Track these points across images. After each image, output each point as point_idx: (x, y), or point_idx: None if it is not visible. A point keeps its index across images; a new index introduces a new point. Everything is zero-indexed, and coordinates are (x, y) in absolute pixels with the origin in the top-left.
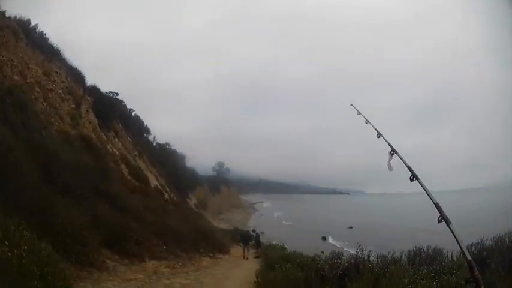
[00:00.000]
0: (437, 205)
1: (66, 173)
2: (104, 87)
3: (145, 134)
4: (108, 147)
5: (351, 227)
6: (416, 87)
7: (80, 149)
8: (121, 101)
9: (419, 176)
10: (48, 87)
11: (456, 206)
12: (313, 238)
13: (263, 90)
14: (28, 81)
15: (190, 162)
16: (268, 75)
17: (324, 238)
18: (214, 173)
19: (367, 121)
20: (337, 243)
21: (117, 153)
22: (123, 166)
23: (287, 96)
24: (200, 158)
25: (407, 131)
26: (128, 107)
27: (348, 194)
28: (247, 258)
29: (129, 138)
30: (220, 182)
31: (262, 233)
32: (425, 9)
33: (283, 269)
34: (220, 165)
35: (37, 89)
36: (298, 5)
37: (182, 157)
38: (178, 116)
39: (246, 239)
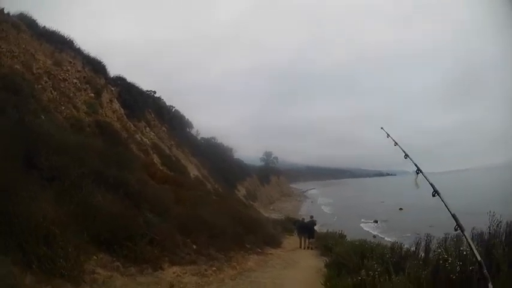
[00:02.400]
0: (454, 215)
1: (59, 157)
2: (142, 86)
3: (187, 128)
4: (137, 136)
5: (401, 209)
6: (445, 63)
7: (92, 135)
8: (154, 93)
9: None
10: (60, 77)
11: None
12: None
13: (303, 77)
14: (35, 71)
15: (237, 154)
16: (307, 61)
17: (376, 221)
18: (263, 163)
19: (395, 143)
20: (371, 230)
21: (148, 142)
22: (154, 156)
23: (327, 81)
24: (247, 149)
25: (441, 108)
26: (168, 103)
27: (395, 175)
28: (305, 248)
29: (164, 128)
30: (270, 172)
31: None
32: None
33: (377, 276)
34: (268, 154)
35: (46, 78)
36: None
37: (229, 150)
38: (221, 110)
39: (302, 228)
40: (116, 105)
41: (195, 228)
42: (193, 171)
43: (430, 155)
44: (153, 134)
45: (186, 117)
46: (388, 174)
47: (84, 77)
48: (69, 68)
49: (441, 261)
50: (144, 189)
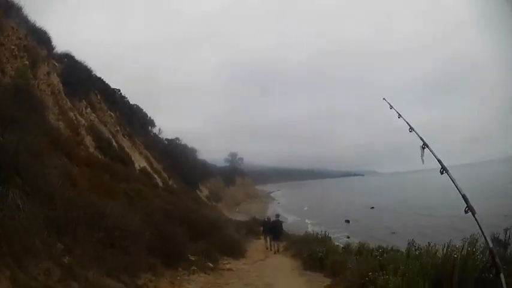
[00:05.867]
0: (464, 196)
1: None
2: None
3: (149, 127)
4: (72, 114)
5: (372, 207)
6: (425, 62)
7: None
8: (118, 91)
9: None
10: None
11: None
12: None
13: (271, 76)
14: None
15: (202, 155)
16: (275, 60)
17: (347, 221)
18: (227, 164)
19: (399, 115)
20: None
21: (83, 122)
22: (88, 138)
23: (295, 80)
24: (212, 150)
25: (419, 106)
26: (132, 102)
27: (363, 175)
28: (274, 252)
29: (111, 113)
30: (235, 173)
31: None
32: None
33: None
34: (233, 155)
35: None
36: None
37: (193, 151)
38: (187, 111)
39: (268, 227)
40: (55, 80)
41: (84, 225)
42: (140, 163)
43: (403, 153)
44: (94, 115)
45: (149, 115)
46: (355, 175)
47: (24, 46)
48: (10, 33)
49: None
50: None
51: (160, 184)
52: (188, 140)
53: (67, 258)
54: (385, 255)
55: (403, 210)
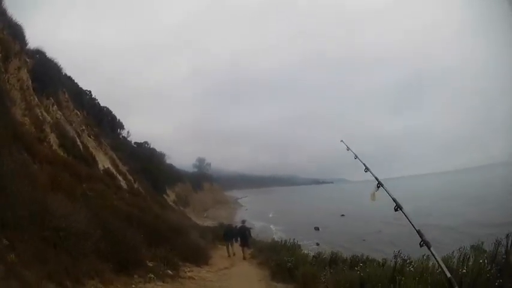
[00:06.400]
0: (419, 231)
1: None
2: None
3: (118, 129)
4: (38, 111)
5: (343, 215)
6: (398, 69)
7: None
8: (89, 93)
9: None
10: None
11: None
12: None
13: (243, 83)
14: None
15: (170, 160)
16: (247, 66)
17: (316, 228)
18: (196, 169)
19: (356, 156)
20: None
21: (49, 119)
22: (52, 135)
23: (267, 87)
24: (181, 155)
25: (392, 113)
26: (102, 104)
27: (332, 182)
28: (244, 258)
29: (77, 112)
30: (203, 178)
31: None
32: None
33: None
34: (201, 161)
35: None
36: None
37: (161, 155)
38: (158, 116)
39: (230, 233)
40: (24, 75)
41: (31, 223)
42: (105, 164)
43: (375, 160)
44: (60, 113)
45: (118, 118)
46: (324, 182)
47: (0, 39)
48: None
49: None
50: None
51: (125, 186)
52: (158, 144)
53: (11, 255)
54: (367, 269)
55: (373, 218)
